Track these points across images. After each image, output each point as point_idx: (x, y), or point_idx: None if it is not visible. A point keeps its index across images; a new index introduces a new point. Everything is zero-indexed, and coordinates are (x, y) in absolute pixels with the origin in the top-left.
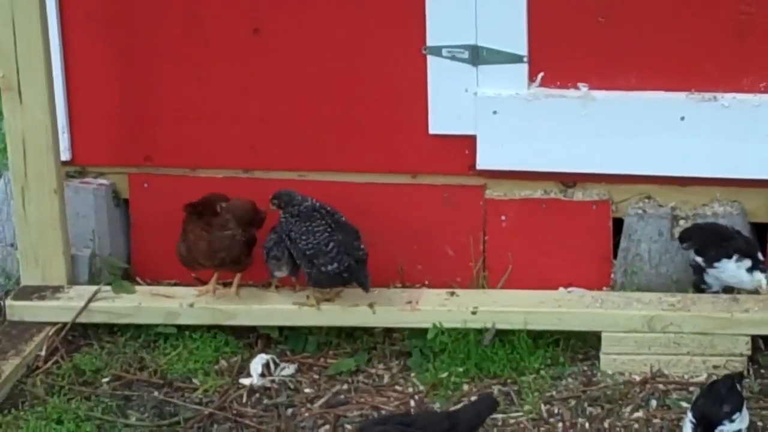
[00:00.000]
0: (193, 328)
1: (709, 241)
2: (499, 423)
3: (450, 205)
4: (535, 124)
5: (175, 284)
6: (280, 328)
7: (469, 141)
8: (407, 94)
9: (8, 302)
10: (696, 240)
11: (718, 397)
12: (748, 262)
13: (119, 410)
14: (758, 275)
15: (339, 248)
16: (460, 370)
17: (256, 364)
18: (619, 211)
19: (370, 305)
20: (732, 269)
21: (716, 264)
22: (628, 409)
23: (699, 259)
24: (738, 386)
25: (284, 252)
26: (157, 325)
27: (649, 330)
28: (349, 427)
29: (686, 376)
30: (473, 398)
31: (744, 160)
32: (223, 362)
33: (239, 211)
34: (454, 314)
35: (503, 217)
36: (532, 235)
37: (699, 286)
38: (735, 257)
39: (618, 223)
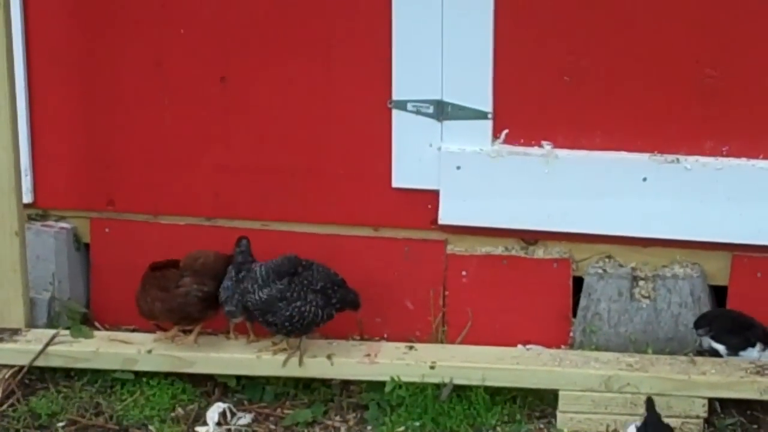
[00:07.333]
0: (151, 375)
1: (728, 329)
2: None
3: (411, 259)
4: (498, 180)
5: (134, 330)
6: (238, 377)
7: (432, 195)
8: (371, 146)
9: None
10: (714, 327)
11: None
12: None
13: None
14: None
15: (325, 282)
16: (417, 424)
17: (213, 413)
18: (579, 269)
19: (329, 357)
20: (755, 358)
21: (741, 353)
22: None
23: (720, 347)
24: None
25: (238, 304)
26: (114, 371)
27: (607, 390)
28: None
29: None
30: None
31: (704, 222)
32: (179, 410)
33: (199, 265)
34: (412, 368)
35: (464, 273)
36: (493, 291)
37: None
38: (759, 346)
39: (578, 282)
